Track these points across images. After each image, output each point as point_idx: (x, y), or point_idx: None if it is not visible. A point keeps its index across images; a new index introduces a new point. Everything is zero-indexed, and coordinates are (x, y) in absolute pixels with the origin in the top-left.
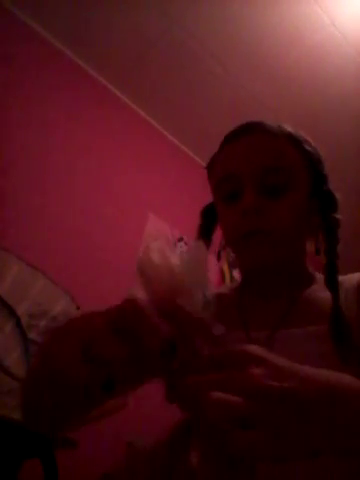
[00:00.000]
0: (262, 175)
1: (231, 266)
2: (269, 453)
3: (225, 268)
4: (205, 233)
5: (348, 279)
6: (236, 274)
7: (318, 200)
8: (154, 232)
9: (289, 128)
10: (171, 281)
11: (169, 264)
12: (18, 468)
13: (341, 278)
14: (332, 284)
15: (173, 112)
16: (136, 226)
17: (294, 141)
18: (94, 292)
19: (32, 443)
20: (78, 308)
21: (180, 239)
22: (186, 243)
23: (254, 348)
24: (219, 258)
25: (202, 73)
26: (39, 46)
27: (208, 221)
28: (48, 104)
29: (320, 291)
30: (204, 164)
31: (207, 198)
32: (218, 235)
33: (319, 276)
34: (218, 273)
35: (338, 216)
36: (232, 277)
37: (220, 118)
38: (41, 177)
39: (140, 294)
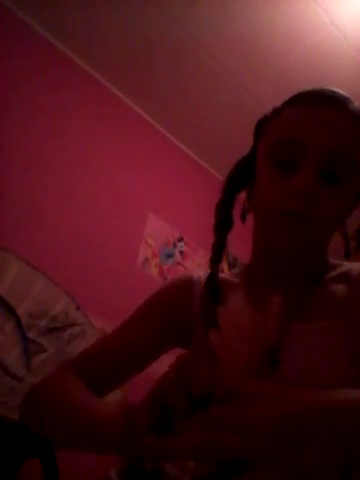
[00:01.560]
0: (330, 158)
1: (231, 266)
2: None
3: (225, 268)
4: (234, 188)
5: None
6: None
7: None
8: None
9: None
10: None
11: None
12: (18, 468)
13: (351, 266)
14: None
15: (173, 112)
16: (136, 226)
17: None
18: (94, 292)
19: (32, 443)
20: (78, 308)
21: (180, 239)
22: (186, 243)
23: (263, 386)
24: (244, 220)
25: (202, 73)
26: (39, 46)
27: (241, 176)
28: (48, 104)
29: (335, 281)
30: (204, 164)
31: (207, 198)
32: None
33: (334, 262)
34: None
35: None
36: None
37: (220, 118)
38: (41, 177)
39: None
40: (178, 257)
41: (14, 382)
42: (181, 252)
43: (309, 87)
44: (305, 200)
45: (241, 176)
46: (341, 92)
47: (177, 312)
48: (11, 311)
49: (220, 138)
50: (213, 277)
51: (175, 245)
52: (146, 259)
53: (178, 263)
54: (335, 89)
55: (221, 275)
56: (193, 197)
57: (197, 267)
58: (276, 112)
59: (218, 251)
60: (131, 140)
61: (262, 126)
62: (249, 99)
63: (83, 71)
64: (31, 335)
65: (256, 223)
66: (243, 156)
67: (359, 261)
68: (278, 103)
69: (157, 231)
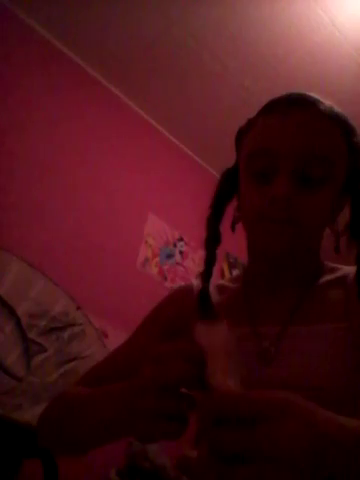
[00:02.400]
0: (304, 162)
1: (231, 266)
2: None
3: (225, 268)
4: (221, 200)
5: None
6: (236, 274)
7: (350, 196)
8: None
9: (342, 113)
10: None
11: None
12: (18, 468)
13: (349, 270)
14: None
15: (173, 112)
16: (136, 226)
17: (344, 130)
18: (94, 292)
19: (32, 443)
20: (78, 308)
21: (180, 239)
22: (186, 243)
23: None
24: (234, 229)
25: (202, 73)
26: (39, 46)
27: (227, 186)
28: (48, 104)
29: (331, 285)
30: (205, 164)
31: (207, 198)
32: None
33: (328, 265)
34: (218, 273)
35: None
36: (238, 271)
37: (220, 118)
38: (41, 177)
39: None
40: (178, 257)
41: (14, 382)
42: (181, 252)
43: (304, 89)
44: (284, 206)
45: (227, 188)
46: (309, 94)
47: (175, 325)
48: (11, 311)
49: (220, 138)
50: (205, 292)
51: (175, 245)
52: (146, 259)
53: (178, 263)
54: (303, 92)
55: (219, 282)
56: (193, 197)
57: (197, 267)
58: (250, 124)
59: (209, 266)
60: (131, 140)
61: (239, 138)
62: (249, 99)
63: (83, 71)
64: (31, 335)
65: (245, 230)
66: (227, 168)
67: (351, 256)
68: None
69: (157, 231)
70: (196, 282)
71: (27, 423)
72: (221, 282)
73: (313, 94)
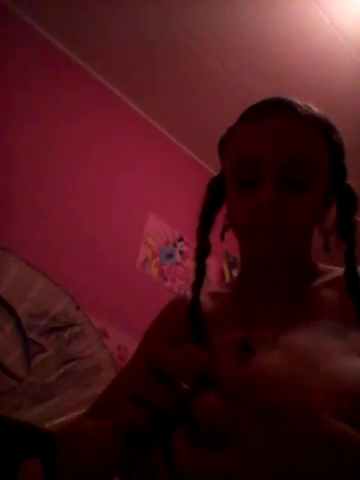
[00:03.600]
0: (286, 167)
1: (231, 266)
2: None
3: (225, 268)
4: (210, 210)
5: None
6: (236, 274)
7: (336, 194)
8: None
9: (319, 112)
10: None
11: None
12: (18, 468)
13: (340, 272)
14: (356, 296)
15: (173, 112)
16: (136, 226)
17: (324, 130)
18: (94, 292)
19: (32, 443)
20: (78, 308)
21: (180, 239)
22: (186, 243)
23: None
24: (223, 238)
25: (202, 73)
26: (39, 46)
27: (214, 196)
28: (48, 104)
29: (325, 286)
30: (204, 164)
31: None
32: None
33: (321, 267)
34: (218, 273)
35: (358, 218)
36: (232, 277)
37: (220, 118)
38: (41, 177)
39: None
40: (178, 257)
41: (14, 382)
42: (181, 252)
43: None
44: (271, 212)
45: (215, 196)
46: (285, 98)
47: (170, 343)
48: (11, 311)
49: (220, 138)
50: (195, 303)
51: (175, 245)
52: (146, 259)
53: (178, 263)
54: (279, 96)
55: (213, 289)
56: (193, 197)
57: None
58: (230, 132)
59: (199, 276)
60: (131, 140)
61: (222, 148)
62: (249, 99)
63: (83, 71)
64: (31, 335)
65: (236, 237)
66: (213, 177)
67: (340, 253)
68: None
69: (157, 231)
70: (189, 293)
71: (27, 423)
72: (215, 289)
73: (289, 97)
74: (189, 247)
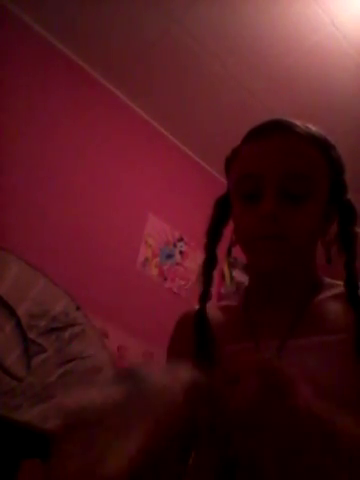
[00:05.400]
0: (286, 180)
1: (231, 266)
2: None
3: (225, 268)
4: (216, 227)
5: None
6: (236, 274)
7: (337, 209)
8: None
9: (317, 131)
10: None
11: None
12: (18, 468)
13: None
14: (355, 302)
15: (173, 112)
16: (136, 226)
17: (322, 147)
18: (94, 292)
19: (32, 443)
20: (78, 308)
21: (180, 239)
22: (186, 243)
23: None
24: (230, 254)
25: (202, 73)
26: (39, 46)
27: (221, 213)
28: (48, 104)
29: (330, 300)
30: (204, 164)
31: (207, 198)
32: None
33: (327, 281)
34: (218, 273)
35: (358, 230)
36: (232, 277)
37: (220, 118)
38: (41, 177)
39: None
40: (178, 257)
41: (14, 382)
42: (181, 252)
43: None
44: (272, 222)
45: (222, 213)
46: (285, 119)
47: (184, 354)
48: (11, 311)
49: (220, 138)
50: (201, 315)
51: (175, 245)
52: (146, 259)
53: (178, 263)
54: (280, 118)
55: (222, 303)
56: (193, 197)
57: (197, 267)
58: (235, 152)
59: (206, 288)
60: (131, 140)
61: (227, 167)
62: (249, 99)
63: (83, 71)
64: (31, 335)
65: (242, 251)
66: (221, 195)
67: (341, 264)
68: (278, 103)
69: (157, 231)
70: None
71: (27, 423)
72: (225, 303)
73: (288, 118)
74: (189, 247)
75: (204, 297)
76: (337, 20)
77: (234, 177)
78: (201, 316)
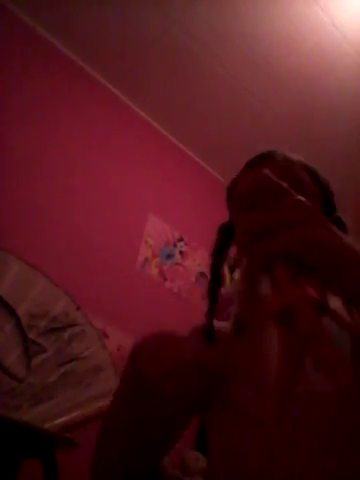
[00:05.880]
0: None
1: (231, 268)
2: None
3: (225, 270)
4: (221, 250)
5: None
6: (236, 276)
7: None
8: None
9: (307, 163)
10: None
11: None
12: (18, 468)
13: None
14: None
15: (173, 112)
16: (136, 226)
17: (312, 173)
18: (94, 292)
19: (32, 443)
20: (78, 308)
21: (180, 239)
22: (186, 243)
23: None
24: (232, 272)
25: (202, 73)
26: (39, 46)
27: (224, 238)
28: (48, 104)
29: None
30: (204, 164)
31: (207, 198)
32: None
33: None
34: None
35: None
36: (232, 279)
37: (220, 118)
38: (41, 177)
39: None
40: (178, 257)
41: (14, 382)
42: (181, 252)
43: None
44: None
45: (225, 239)
46: (278, 149)
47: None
48: (11, 311)
49: (220, 138)
50: (208, 327)
51: (175, 245)
52: (146, 259)
53: (178, 263)
54: (273, 149)
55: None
56: (193, 197)
57: (197, 267)
58: (234, 182)
59: (212, 304)
60: (131, 140)
61: (229, 196)
62: (249, 99)
63: (83, 71)
64: (31, 335)
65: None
66: (222, 223)
67: None
68: (278, 103)
69: (157, 231)
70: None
71: (27, 423)
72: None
73: (281, 150)
74: (189, 247)
75: (211, 313)
76: (337, 20)
77: (235, 203)
78: (209, 331)
